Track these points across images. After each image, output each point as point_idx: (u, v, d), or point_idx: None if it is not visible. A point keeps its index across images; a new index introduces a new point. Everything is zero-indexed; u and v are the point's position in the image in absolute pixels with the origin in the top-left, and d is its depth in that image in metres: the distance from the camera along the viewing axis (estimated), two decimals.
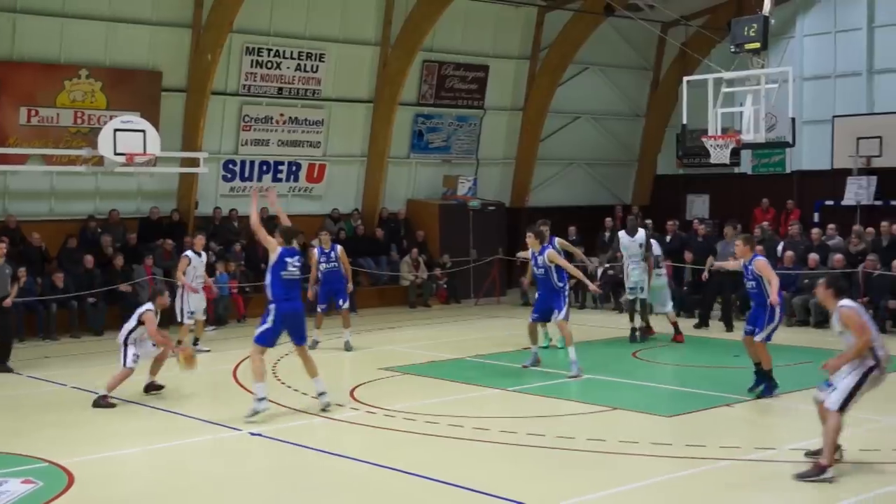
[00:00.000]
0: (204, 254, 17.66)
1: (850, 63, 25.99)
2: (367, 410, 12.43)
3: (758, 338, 12.85)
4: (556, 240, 16.55)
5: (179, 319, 16.96)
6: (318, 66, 23.90)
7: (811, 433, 10.35)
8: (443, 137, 26.61)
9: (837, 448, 9.38)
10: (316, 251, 17.48)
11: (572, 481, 9.45)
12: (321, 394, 12.39)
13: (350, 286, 17.63)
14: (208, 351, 17.26)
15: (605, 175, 30.17)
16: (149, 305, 13.30)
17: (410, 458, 10.17)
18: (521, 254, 17.07)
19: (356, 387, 13.94)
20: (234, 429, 11.56)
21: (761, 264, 12.84)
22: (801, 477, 9.20)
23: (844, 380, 9.24)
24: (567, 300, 15.16)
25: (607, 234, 24.70)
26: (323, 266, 17.32)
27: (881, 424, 11.33)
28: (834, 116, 25.71)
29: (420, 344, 18.31)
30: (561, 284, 14.89)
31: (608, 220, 25.33)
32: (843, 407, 9.20)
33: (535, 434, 11.03)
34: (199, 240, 17.67)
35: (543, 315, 15.24)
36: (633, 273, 17.63)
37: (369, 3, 24.20)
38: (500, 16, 26.34)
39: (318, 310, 17.60)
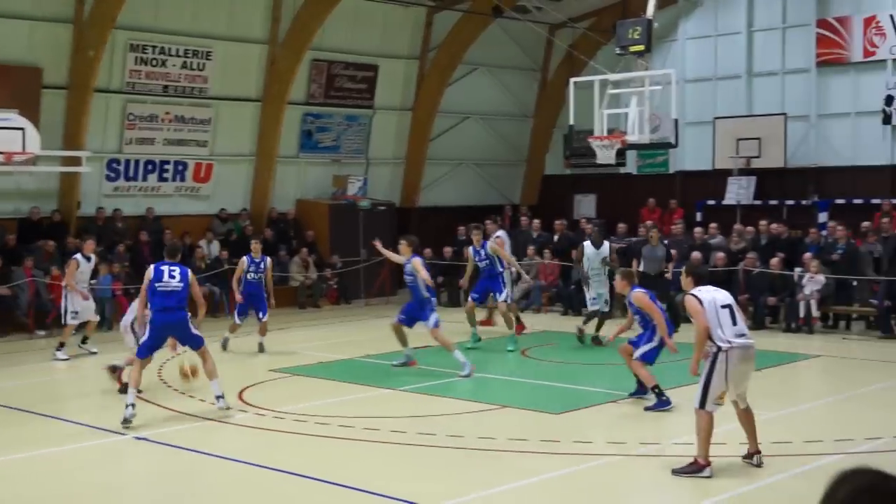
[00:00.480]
0: (93, 257, 17.41)
1: (731, 66, 26.67)
2: (257, 413, 12.31)
3: (635, 355, 12.70)
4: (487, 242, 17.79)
5: (63, 321, 16.71)
6: (204, 64, 23.53)
7: (693, 427, 10.63)
8: (332, 137, 26.46)
9: (755, 455, 9.56)
10: (245, 259, 17.27)
11: (462, 479, 9.50)
12: (218, 397, 12.19)
13: (272, 302, 17.34)
14: (95, 353, 16.87)
15: (493, 175, 30.41)
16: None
17: (301, 460, 10.10)
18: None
19: (245, 389, 13.77)
20: (119, 434, 11.31)
21: (641, 300, 12.58)
22: (676, 472, 9.40)
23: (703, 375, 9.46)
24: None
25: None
26: (251, 276, 17.12)
27: (758, 419, 11.63)
28: (715, 118, 26.36)
29: (310, 345, 18.21)
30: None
31: (497, 219, 25.55)
32: (703, 403, 9.38)
33: (425, 433, 11.06)
34: (90, 244, 17.42)
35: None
36: (595, 285, 17.59)
37: (257, 0, 23.93)
38: (388, 15, 26.31)
39: (237, 321, 17.33)
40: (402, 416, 12.08)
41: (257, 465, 9.91)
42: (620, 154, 20.97)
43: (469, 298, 17.52)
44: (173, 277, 12.00)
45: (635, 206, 26.37)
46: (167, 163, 23.66)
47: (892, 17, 23.76)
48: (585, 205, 29.26)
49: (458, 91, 28.28)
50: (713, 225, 22.42)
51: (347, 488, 9.09)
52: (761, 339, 17.12)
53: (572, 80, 21.59)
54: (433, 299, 15.22)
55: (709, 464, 9.32)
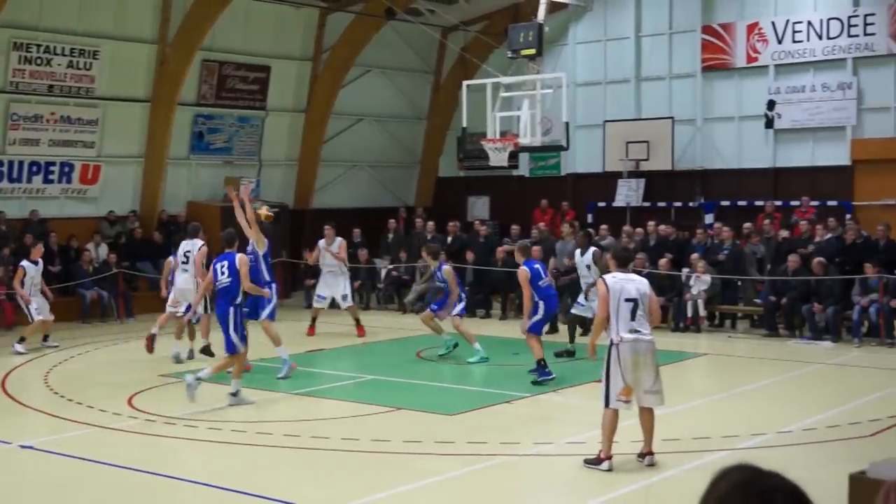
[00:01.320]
0: (40, 261, 18.23)
1: (620, 70, 27.16)
2: (147, 418, 12.10)
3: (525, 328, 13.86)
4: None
5: (30, 319, 17.53)
6: (91, 64, 22.99)
7: (587, 426, 10.84)
8: (224, 138, 26.12)
9: (647, 455, 9.74)
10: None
11: (356, 483, 9.50)
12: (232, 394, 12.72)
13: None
14: (57, 346, 17.56)
15: (388, 177, 30.41)
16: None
17: (192, 466, 10.00)
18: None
19: (135, 394, 13.53)
20: (3, 442, 11.02)
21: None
22: (586, 462, 9.64)
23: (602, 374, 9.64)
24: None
25: (391, 235, 24.98)
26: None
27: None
28: (605, 121, 26.82)
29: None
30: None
31: (391, 221, 25.60)
32: (606, 401, 9.58)
33: (319, 437, 11.01)
34: (38, 249, 18.26)
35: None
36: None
37: None
38: (281, 16, 26.11)
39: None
40: (296, 420, 12.05)
41: (148, 472, 9.74)
42: (513, 156, 21.25)
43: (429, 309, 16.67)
44: (223, 274, 12.77)
45: (528, 207, 26.66)
46: (53, 164, 23.04)
47: (773, 23, 24.53)
48: (479, 207, 29.49)
49: (351, 93, 28.21)
50: (604, 226, 22.79)
51: (242, 494, 9.00)
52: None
53: (465, 82, 21.75)
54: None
55: (609, 458, 9.52)
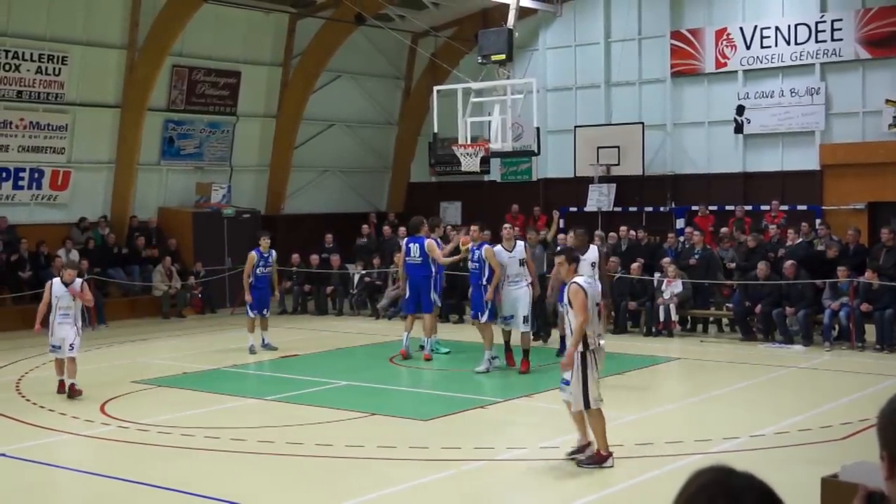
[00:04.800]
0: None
1: (590, 75, 27.36)
2: (119, 425, 12.05)
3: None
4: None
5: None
6: (60, 69, 22.90)
7: (560, 431, 10.91)
8: (195, 144, 26.06)
9: (586, 447, 9.86)
10: (254, 254, 17.82)
11: (330, 488, 9.52)
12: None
13: (276, 294, 19.14)
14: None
15: (359, 182, 30.43)
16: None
17: (165, 473, 9.94)
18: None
19: (107, 401, 13.45)
20: None
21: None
22: (581, 464, 9.78)
23: (573, 377, 9.69)
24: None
25: (364, 240, 24.96)
26: (260, 270, 17.81)
27: (622, 421, 11.95)
28: (576, 126, 26.95)
29: (174, 355, 17.91)
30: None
31: (365, 227, 25.61)
32: (587, 403, 9.66)
33: (293, 443, 11.02)
34: (70, 273, 17.47)
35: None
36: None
37: (114, 4, 23.44)
38: (250, 22, 26.10)
39: (252, 314, 17.76)
40: (270, 426, 12.02)
41: (121, 479, 9.71)
42: (484, 162, 21.26)
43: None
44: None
45: (500, 212, 26.65)
46: (22, 170, 22.89)
47: (741, 29, 24.77)
48: (451, 212, 29.54)
49: (322, 98, 28.23)
50: (579, 230, 22.77)
51: (215, 500, 8.99)
52: (623, 343, 17.87)
53: (435, 88, 21.83)
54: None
55: (610, 454, 9.71)
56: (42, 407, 13.09)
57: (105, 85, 23.84)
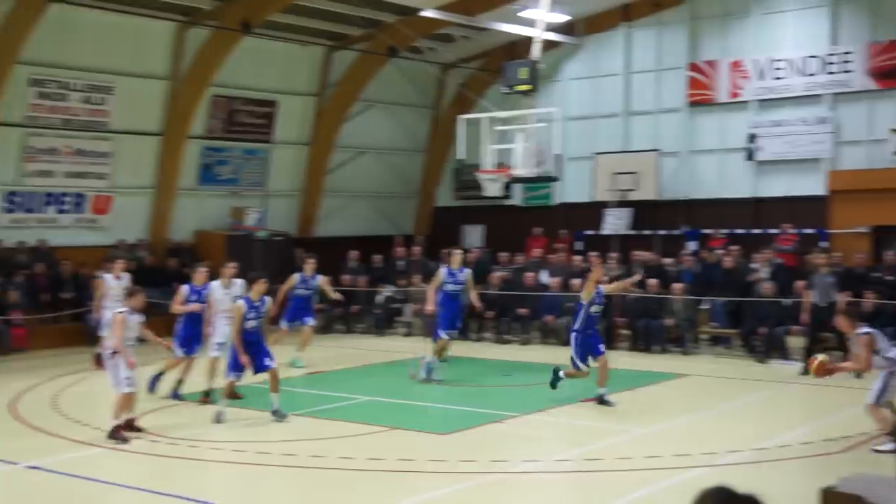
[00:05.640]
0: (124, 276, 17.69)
1: (610, 105, 28.24)
2: (151, 439, 12.23)
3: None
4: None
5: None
6: (106, 99, 23.86)
7: (574, 444, 11.54)
8: (231, 170, 27.00)
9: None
10: (296, 276, 18.91)
11: (352, 500, 9.86)
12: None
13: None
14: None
15: (387, 207, 31.28)
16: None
17: (195, 486, 10.22)
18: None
19: (140, 415, 13.37)
20: (10, 462, 11.19)
21: None
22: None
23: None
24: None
25: (400, 262, 25.82)
26: (300, 291, 18.88)
27: (631, 435, 12.55)
28: (595, 153, 27.88)
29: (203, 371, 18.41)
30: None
31: (399, 249, 26.59)
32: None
33: (316, 455, 11.27)
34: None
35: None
36: None
37: (160, 38, 24.35)
38: (288, 54, 27.06)
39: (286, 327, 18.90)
40: (294, 440, 12.17)
41: (152, 492, 9.91)
42: (507, 187, 21.95)
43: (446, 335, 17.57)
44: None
45: (521, 235, 27.60)
46: (66, 195, 23.80)
47: (755, 61, 25.64)
48: (474, 235, 30.40)
49: (354, 127, 29.13)
50: (594, 253, 23.77)
51: None
52: (636, 360, 18.37)
53: (462, 116, 22.49)
54: None
55: None
56: (77, 422, 13.28)
57: (148, 114, 24.71)
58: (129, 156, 24.77)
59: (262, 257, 25.53)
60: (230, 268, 15.59)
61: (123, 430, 12.20)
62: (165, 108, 24.92)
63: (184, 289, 15.32)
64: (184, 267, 24.77)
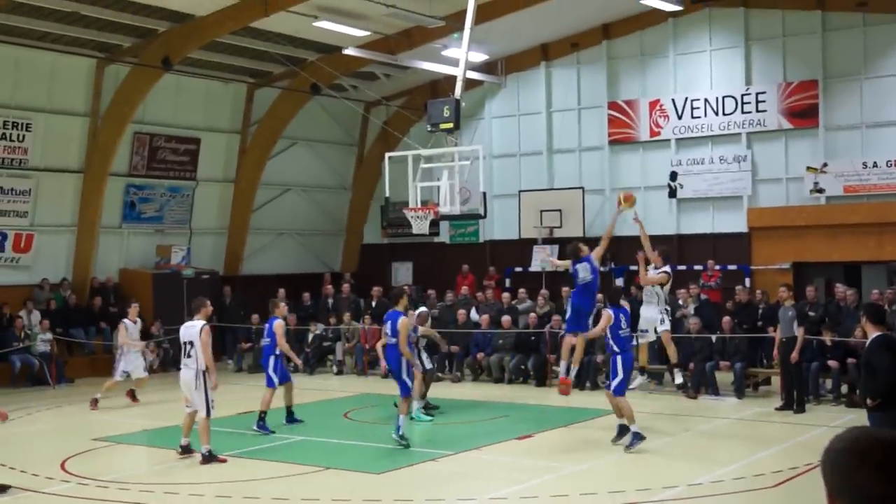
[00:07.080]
0: (138, 321, 19.55)
1: (533, 143, 28.69)
2: (80, 482, 12.11)
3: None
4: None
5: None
6: (24, 136, 23.61)
7: (509, 482, 11.62)
8: (155, 207, 26.83)
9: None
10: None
11: None
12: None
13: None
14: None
15: (315, 244, 31.32)
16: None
17: None
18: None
19: (68, 458, 13.58)
20: None
21: None
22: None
23: None
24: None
25: (330, 300, 25.86)
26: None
27: (565, 472, 12.67)
28: (520, 191, 28.23)
29: (134, 412, 18.22)
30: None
31: (329, 287, 26.72)
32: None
33: (250, 497, 11.21)
34: (134, 308, 19.53)
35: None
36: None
37: (79, 74, 24.24)
38: (210, 91, 27.09)
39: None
40: (227, 481, 12.10)
41: None
42: (434, 224, 22.12)
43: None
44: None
45: (450, 272, 27.81)
46: None
47: (673, 101, 26.27)
48: (403, 272, 30.54)
49: (279, 164, 29.20)
50: (522, 290, 24.01)
51: None
52: (568, 397, 18.56)
53: (387, 154, 22.51)
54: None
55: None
56: (1, 465, 13.08)
57: (68, 151, 24.53)
58: (50, 193, 24.55)
59: (189, 296, 25.24)
60: (135, 307, 19.37)
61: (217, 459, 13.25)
62: (86, 145, 24.74)
63: (280, 322, 16.45)
64: (109, 306, 24.56)
